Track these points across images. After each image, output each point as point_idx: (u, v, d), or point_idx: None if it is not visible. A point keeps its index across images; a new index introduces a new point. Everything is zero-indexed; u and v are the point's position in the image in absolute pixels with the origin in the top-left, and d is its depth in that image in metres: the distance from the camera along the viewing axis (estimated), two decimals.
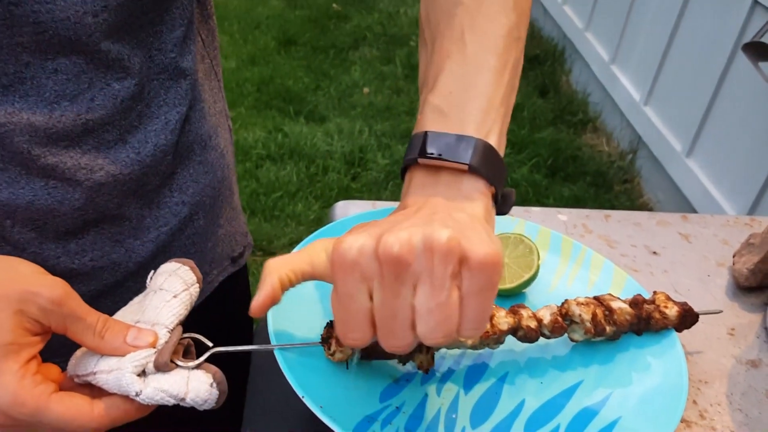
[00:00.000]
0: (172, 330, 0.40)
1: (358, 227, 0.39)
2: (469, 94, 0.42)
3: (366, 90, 2.85)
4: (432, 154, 0.40)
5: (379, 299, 0.35)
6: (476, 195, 0.40)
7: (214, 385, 0.40)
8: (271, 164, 2.34)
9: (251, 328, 0.76)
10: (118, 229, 0.50)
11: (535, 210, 0.74)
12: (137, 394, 0.38)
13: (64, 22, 0.42)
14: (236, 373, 0.73)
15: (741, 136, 1.84)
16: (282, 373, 0.45)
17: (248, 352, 0.46)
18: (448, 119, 0.41)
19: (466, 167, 0.40)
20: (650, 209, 2.26)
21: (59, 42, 0.42)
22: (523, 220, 0.63)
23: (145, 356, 0.38)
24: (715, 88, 1.94)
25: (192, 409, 0.66)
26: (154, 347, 0.39)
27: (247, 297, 0.72)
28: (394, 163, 2.40)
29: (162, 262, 0.55)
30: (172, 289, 0.41)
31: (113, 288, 0.53)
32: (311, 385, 0.45)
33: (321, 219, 2.13)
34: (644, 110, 2.33)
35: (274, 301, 0.40)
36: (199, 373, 0.40)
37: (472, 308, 0.35)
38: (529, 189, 2.26)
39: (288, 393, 0.56)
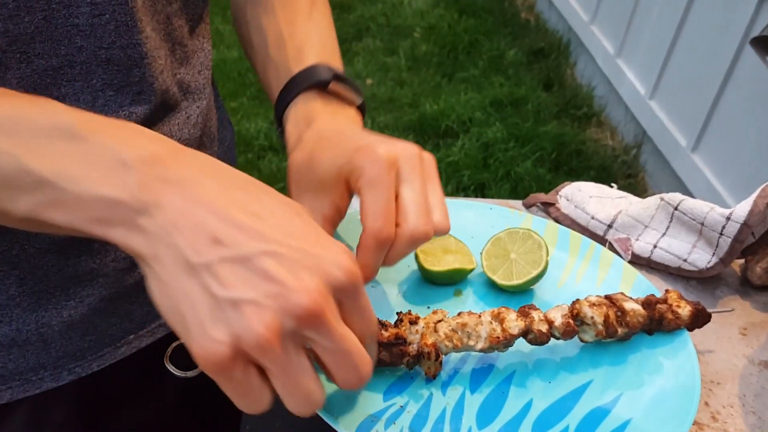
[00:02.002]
0: None
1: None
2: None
3: (369, 81, 2.83)
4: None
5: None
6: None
7: None
8: (273, 155, 2.32)
9: None
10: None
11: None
12: None
13: (122, 6, 0.41)
14: None
15: (747, 131, 1.82)
16: None
17: None
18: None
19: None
20: None
21: (115, 28, 0.41)
22: (530, 215, 0.62)
23: None
24: (722, 83, 1.92)
25: (191, 408, 0.65)
26: None
27: None
28: None
29: None
30: None
31: (132, 290, 0.52)
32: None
33: None
34: (649, 104, 2.31)
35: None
36: None
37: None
38: (533, 183, 2.24)
39: None
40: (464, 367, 0.50)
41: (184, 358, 0.41)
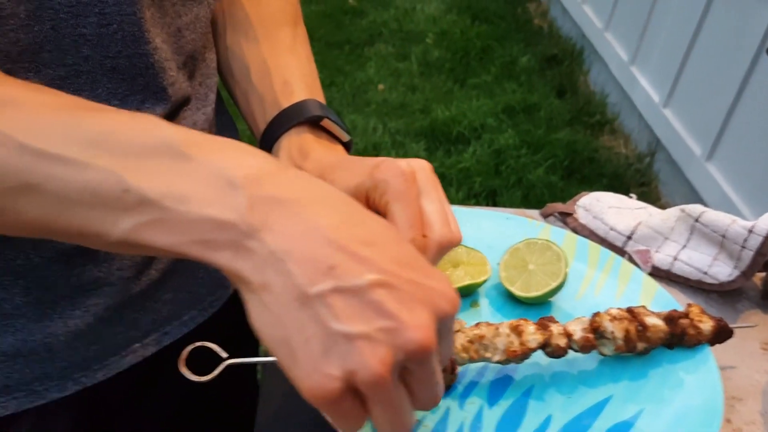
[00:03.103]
0: None
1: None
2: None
3: (381, 87, 2.83)
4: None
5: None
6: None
7: None
8: None
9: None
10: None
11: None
12: None
13: (130, 17, 0.41)
14: (246, 377, 0.71)
15: (763, 140, 1.80)
16: None
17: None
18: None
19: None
20: None
21: (122, 38, 0.41)
22: (548, 225, 0.61)
23: None
24: (737, 91, 1.90)
25: (204, 416, 0.65)
26: None
27: None
28: None
29: (185, 269, 0.54)
30: None
31: (137, 299, 0.51)
32: None
33: None
34: (663, 112, 2.29)
35: None
36: None
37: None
38: (545, 191, 2.23)
39: (302, 399, 0.54)
40: (482, 379, 0.49)
41: (196, 362, 0.41)
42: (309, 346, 0.30)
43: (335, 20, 3.33)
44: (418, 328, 0.30)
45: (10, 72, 0.39)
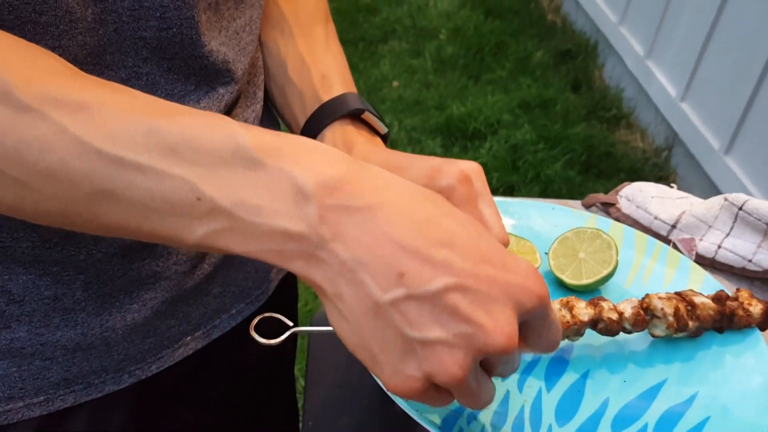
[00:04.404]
0: None
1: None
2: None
3: (395, 84, 2.83)
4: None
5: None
6: None
7: None
8: None
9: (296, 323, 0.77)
10: None
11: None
12: None
13: (189, 20, 0.42)
14: (282, 372, 0.72)
15: None
16: (343, 363, 0.45)
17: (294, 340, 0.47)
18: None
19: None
20: None
21: (180, 41, 0.42)
22: (593, 214, 0.62)
23: None
24: (756, 84, 1.90)
25: (248, 406, 0.66)
26: None
27: (295, 295, 0.71)
28: None
29: (234, 264, 0.55)
30: None
31: (191, 292, 0.52)
32: None
33: None
34: (681, 106, 2.29)
35: None
36: None
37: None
38: (563, 186, 2.23)
39: (352, 383, 0.55)
40: (538, 362, 0.50)
41: (265, 329, 0.43)
42: (387, 351, 0.31)
43: (349, 17, 3.34)
44: (496, 330, 0.30)
45: None
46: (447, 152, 2.42)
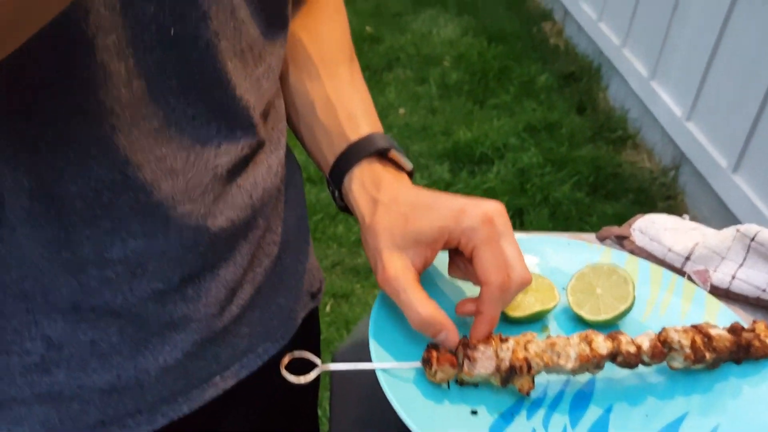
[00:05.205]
0: None
1: None
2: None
3: (401, 111, 2.87)
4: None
5: None
6: None
7: None
8: (311, 186, 2.36)
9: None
10: (228, 272, 0.52)
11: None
12: None
13: (217, 69, 0.44)
14: (306, 407, 0.73)
15: None
16: (366, 398, 0.46)
17: None
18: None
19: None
20: None
21: (204, 87, 0.44)
22: (608, 249, 0.63)
23: None
24: (762, 101, 1.91)
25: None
26: None
27: (317, 331, 0.72)
28: (432, 183, 2.41)
29: (262, 304, 0.57)
30: None
31: (220, 334, 0.54)
32: (416, 411, 0.46)
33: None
34: (687, 125, 2.31)
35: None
36: None
37: None
38: (572, 207, 2.25)
39: (374, 418, 0.56)
40: (562, 398, 0.51)
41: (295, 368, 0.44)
42: None
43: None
44: None
45: (114, 128, 0.41)
46: (455, 177, 2.44)
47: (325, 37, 0.60)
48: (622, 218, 2.21)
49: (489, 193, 2.32)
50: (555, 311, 0.59)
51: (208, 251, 0.48)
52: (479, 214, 0.46)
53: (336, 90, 0.58)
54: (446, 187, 2.38)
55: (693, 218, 2.25)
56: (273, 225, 0.56)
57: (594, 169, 2.43)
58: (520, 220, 2.25)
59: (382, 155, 0.55)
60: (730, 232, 0.64)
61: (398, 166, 0.56)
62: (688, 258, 0.64)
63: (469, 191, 2.34)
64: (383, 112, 2.86)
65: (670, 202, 2.35)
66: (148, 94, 0.42)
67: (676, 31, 2.43)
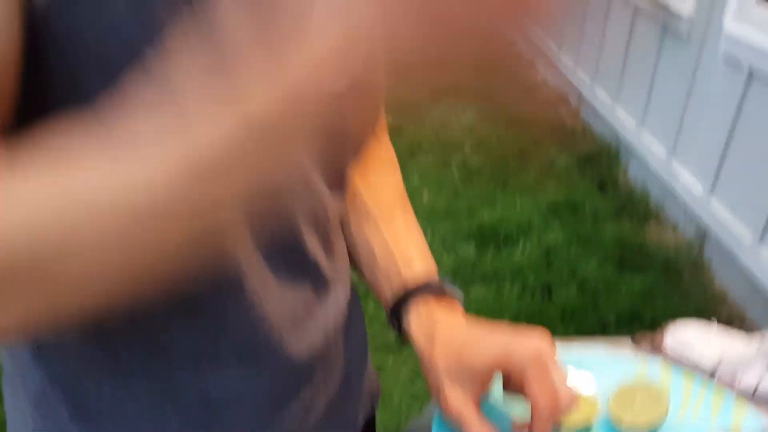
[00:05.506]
0: None
1: None
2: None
3: (425, 195, 2.97)
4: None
5: None
6: None
7: None
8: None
9: None
10: (307, 395, 0.57)
11: None
12: None
13: (298, 238, 0.51)
14: None
15: None
16: None
17: None
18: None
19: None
20: (724, 299, 2.23)
21: (284, 239, 0.50)
22: (645, 360, 0.68)
23: None
24: None
25: None
26: None
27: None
28: (459, 261, 2.45)
29: (328, 416, 0.62)
30: None
31: None
32: None
33: None
34: (709, 201, 2.34)
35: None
36: None
37: None
38: (600, 283, 2.27)
39: None
40: None
41: None
42: None
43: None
44: None
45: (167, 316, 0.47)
46: (481, 256, 2.49)
47: (381, 187, 0.68)
48: (650, 292, 2.23)
49: (516, 270, 2.35)
50: (598, 422, 0.64)
51: (291, 379, 0.54)
52: (528, 354, 0.53)
53: (394, 236, 0.65)
54: (473, 265, 2.43)
55: (720, 291, 2.25)
56: (341, 344, 0.62)
57: (619, 245, 2.47)
58: (549, 296, 2.27)
59: (436, 293, 0.61)
60: (755, 337, 0.68)
61: (450, 297, 0.62)
62: (717, 363, 0.69)
63: (497, 267, 2.38)
64: (408, 197, 2.95)
65: (697, 274, 2.37)
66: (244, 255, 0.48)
67: (693, 110, 2.49)
